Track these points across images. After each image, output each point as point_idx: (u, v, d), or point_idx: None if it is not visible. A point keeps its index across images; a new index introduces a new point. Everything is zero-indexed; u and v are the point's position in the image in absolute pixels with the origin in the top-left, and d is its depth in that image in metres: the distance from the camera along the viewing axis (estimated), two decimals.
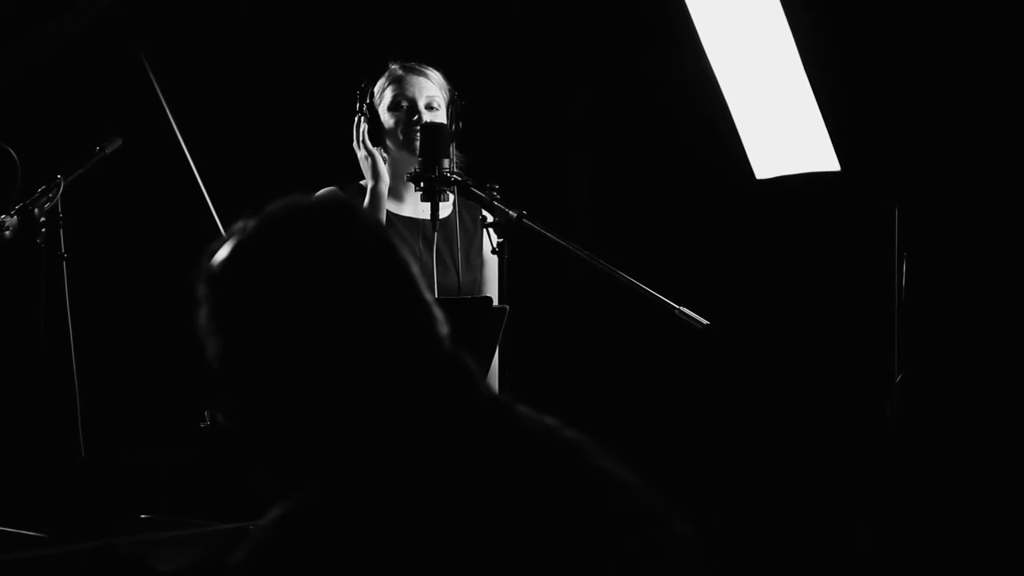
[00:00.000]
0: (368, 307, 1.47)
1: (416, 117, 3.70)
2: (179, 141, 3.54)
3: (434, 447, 1.46)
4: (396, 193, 3.75)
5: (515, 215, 3.41)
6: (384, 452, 1.45)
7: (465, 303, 3.40)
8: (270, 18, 4.79)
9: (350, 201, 1.55)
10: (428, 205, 3.51)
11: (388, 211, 3.69)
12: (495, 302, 3.40)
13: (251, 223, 1.50)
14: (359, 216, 1.52)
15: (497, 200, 3.44)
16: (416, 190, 3.52)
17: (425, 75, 3.75)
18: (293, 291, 1.45)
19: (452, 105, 3.72)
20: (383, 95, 3.75)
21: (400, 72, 3.75)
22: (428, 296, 1.52)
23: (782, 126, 3.78)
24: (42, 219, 3.37)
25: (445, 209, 3.65)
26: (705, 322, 3.19)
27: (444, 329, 1.51)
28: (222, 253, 1.49)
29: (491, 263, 3.67)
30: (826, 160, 3.74)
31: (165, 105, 3.54)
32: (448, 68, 3.79)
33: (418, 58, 3.78)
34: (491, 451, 1.47)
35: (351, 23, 4.75)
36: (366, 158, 3.69)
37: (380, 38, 4.58)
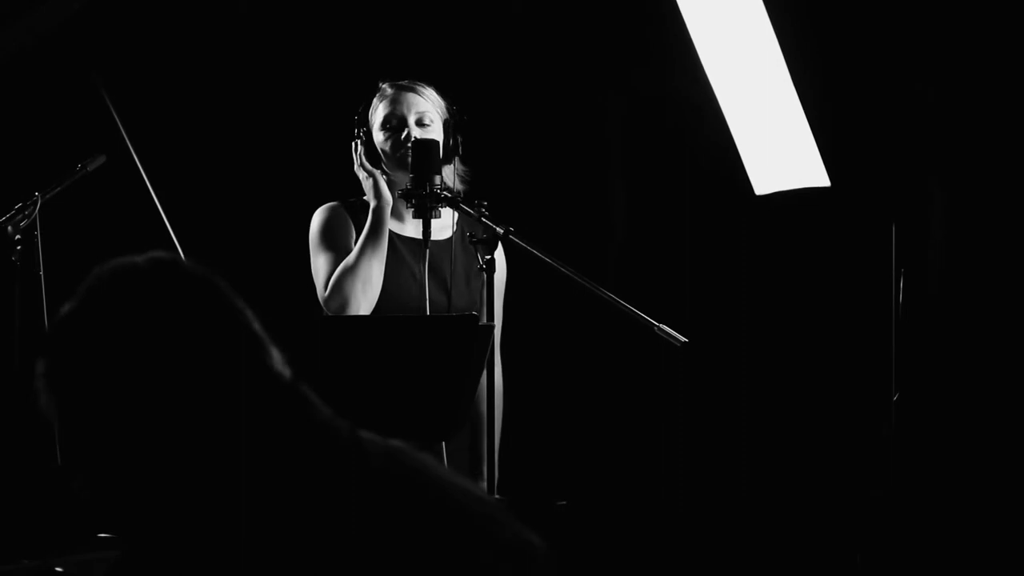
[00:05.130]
0: (194, 356, 1.51)
1: (406, 134, 3.68)
2: (138, 167, 3.53)
3: (264, 483, 1.49)
4: (398, 213, 3.72)
5: (502, 231, 3.38)
6: (210, 496, 1.49)
7: (450, 321, 3.37)
8: (286, 26, 4.77)
9: (173, 256, 1.59)
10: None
11: (391, 231, 3.67)
12: (483, 320, 3.37)
13: (80, 289, 1.56)
14: (182, 269, 1.56)
15: (485, 216, 3.41)
16: (408, 207, 3.50)
17: (415, 91, 3.72)
18: (118, 349, 1.50)
19: (451, 119, 3.68)
20: (375, 115, 3.73)
21: (390, 90, 3.73)
22: (260, 332, 1.56)
23: (776, 142, 3.78)
24: (17, 236, 3.36)
25: (445, 229, 3.62)
26: (684, 339, 3.17)
27: (279, 364, 1.55)
28: (54, 322, 1.55)
29: (496, 282, 3.58)
30: (816, 176, 3.73)
31: (123, 131, 3.53)
32: (470, 75, 3.74)
33: (434, 67, 3.76)
34: (326, 478, 1.50)
35: (370, 33, 4.73)
36: (367, 179, 3.67)
37: (401, 50, 4.57)
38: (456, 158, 3.65)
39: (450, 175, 3.63)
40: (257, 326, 1.56)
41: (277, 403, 1.53)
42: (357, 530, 1.47)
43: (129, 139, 3.51)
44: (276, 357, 1.56)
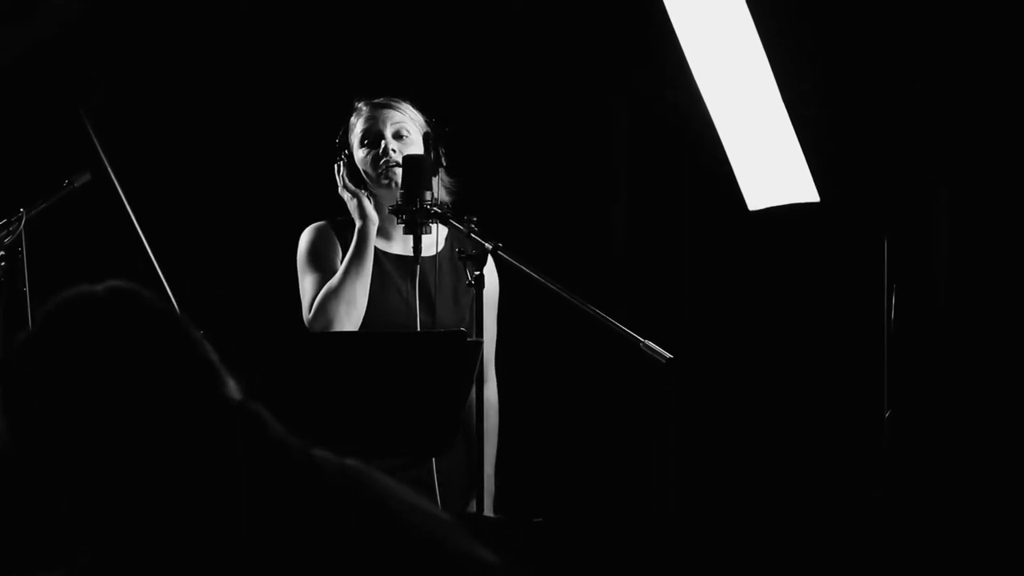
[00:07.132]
0: (147, 385, 1.53)
1: (383, 148, 3.66)
2: (119, 194, 3.53)
3: (216, 502, 1.51)
4: (384, 231, 3.70)
5: (490, 247, 3.36)
6: (163, 518, 1.51)
7: (438, 337, 3.35)
8: (276, 41, 4.75)
9: (133, 287, 1.62)
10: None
11: (377, 249, 3.66)
12: (473, 336, 3.36)
13: (38, 317, 1.59)
14: (141, 300, 1.58)
15: (474, 232, 3.40)
16: (398, 223, 3.48)
17: (390, 106, 3.71)
18: (73, 377, 1.52)
19: (431, 132, 3.66)
20: (352, 135, 3.71)
21: (365, 108, 3.72)
22: (215, 361, 1.59)
23: (766, 158, 3.79)
24: (0, 253, 3.35)
25: (430, 246, 3.60)
26: (668, 356, 3.16)
27: (234, 392, 1.58)
28: (10, 349, 1.58)
29: (487, 298, 3.56)
30: (807, 191, 3.73)
31: (102, 153, 3.52)
32: (467, 86, 3.69)
33: (430, 78, 3.74)
34: (277, 496, 1.52)
35: (362, 43, 4.71)
36: (351, 199, 3.66)
37: (393, 57, 4.56)
38: (441, 169, 3.64)
39: (436, 187, 3.60)
40: (213, 356, 1.58)
41: (228, 425, 1.54)
42: (309, 548, 1.48)
43: (109, 160, 3.50)
44: (231, 386, 1.58)
